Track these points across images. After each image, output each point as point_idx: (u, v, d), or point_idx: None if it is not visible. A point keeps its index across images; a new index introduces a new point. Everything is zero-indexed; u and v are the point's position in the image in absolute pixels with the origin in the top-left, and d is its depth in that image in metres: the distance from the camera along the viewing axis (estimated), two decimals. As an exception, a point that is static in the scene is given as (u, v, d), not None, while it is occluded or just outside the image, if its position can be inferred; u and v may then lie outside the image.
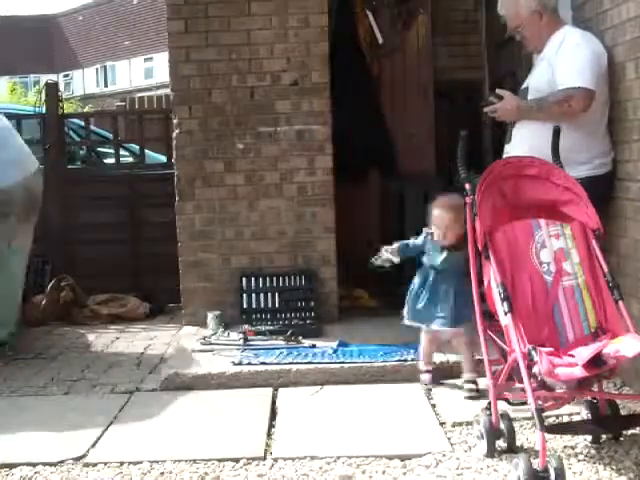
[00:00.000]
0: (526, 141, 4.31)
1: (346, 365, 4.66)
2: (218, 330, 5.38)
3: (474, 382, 4.32)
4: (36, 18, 40.24)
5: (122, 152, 7.46)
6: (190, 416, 4.19)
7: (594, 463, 3.40)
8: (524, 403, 3.58)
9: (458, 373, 4.44)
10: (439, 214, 4.32)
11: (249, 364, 4.72)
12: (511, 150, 4.42)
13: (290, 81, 5.67)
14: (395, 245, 4.51)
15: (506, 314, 3.44)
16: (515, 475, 3.12)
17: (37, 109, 6.99)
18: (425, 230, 4.45)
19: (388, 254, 4.50)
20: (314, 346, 4.99)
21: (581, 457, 3.47)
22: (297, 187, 5.71)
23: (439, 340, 4.50)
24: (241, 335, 5.20)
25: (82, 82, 38.24)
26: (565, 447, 3.56)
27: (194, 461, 3.60)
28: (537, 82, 4.41)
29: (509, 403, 3.75)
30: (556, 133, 3.93)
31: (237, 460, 3.59)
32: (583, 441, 3.59)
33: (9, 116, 7.54)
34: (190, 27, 5.67)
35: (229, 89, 5.69)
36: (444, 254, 4.36)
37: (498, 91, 4.39)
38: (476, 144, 6.86)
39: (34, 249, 5.72)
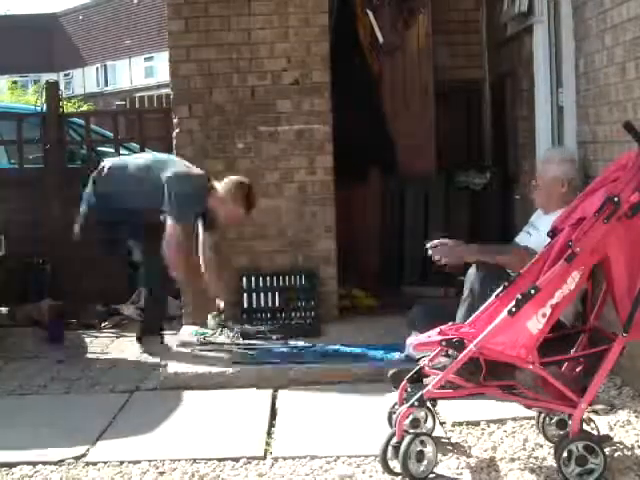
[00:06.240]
0: None
1: (347, 365, 4.65)
2: (218, 329, 5.38)
3: None
4: (36, 17, 40.17)
5: (122, 151, 7.43)
6: (190, 416, 4.20)
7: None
8: None
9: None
10: None
11: (249, 364, 4.72)
12: None
13: (290, 80, 5.67)
14: None
15: None
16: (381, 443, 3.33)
17: (37, 108, 6.98)
18: None
19: None
20: (314, 346, 4.98)
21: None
22: (297, 186, 5.70)
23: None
24: (241, 334, 5.21)
25: (82, 81, 38.20)
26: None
27: (194, 460, 3.59)
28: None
29: None
30: None
31: (237, 460, 3.59)
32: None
33: (9, 115, 7.59)
34: (190, 26, 5.67)
35: (229, 88, 5.69)
36: None
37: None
38: (476, 143, 6.88)
39: (34, 249, 5.70)
